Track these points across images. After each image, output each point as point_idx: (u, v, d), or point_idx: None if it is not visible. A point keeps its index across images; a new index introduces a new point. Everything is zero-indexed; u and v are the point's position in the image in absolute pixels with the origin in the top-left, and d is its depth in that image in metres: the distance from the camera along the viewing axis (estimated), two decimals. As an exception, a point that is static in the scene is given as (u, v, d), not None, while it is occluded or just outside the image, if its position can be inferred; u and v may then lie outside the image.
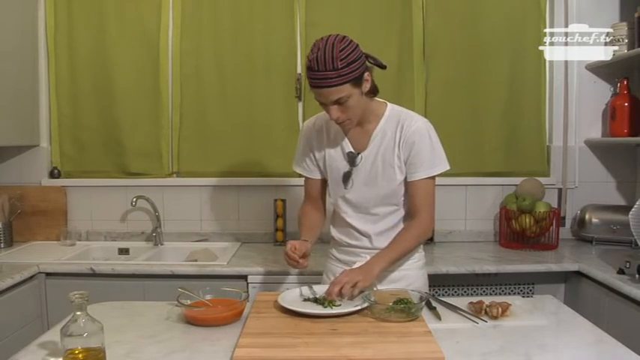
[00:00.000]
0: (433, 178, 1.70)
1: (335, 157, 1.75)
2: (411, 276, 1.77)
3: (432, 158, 1.67)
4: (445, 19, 2.80)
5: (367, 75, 1.59)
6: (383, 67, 1.64)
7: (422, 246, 1.84)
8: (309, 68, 1.53)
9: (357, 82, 1.55)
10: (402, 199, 1.73)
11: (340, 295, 1.52)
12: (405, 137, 1.66)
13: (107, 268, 2.34)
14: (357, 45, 1.56)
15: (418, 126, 1.67)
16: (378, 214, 1.73)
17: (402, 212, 1.74)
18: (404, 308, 1.46)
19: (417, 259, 1.81)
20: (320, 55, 1.50)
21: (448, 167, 1.71)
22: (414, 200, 1.70)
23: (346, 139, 1.73)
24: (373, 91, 1.65)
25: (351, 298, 1.54)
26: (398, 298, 1.52)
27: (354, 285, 1.53)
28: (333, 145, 1.75)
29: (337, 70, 1.50)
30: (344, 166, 1.73)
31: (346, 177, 1.73)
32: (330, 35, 1.54)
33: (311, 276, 2.24)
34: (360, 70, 1.55)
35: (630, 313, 1.94)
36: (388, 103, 1.74)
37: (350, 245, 1.79)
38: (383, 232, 1.74)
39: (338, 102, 1.56)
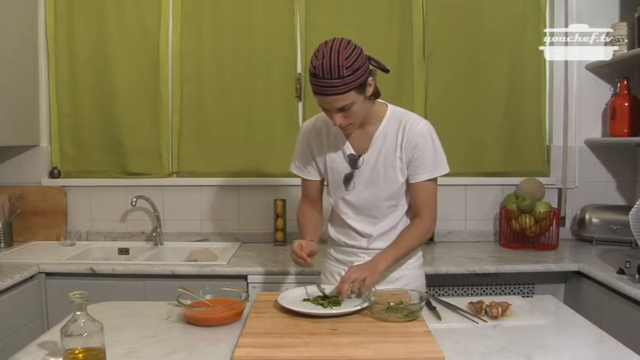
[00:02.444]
0: (435, 179, 1.70)
1: (336, 159, 1.73)
2: (409, 276, 1.77)
3: (435, 160, 1.67)
4: (445, 19, 2.80)
5: (371, 80, 1.56)
6: (386, 70, 1.63)
7: (420, 248, 1.84)
8: (313, 75, 1.49)
9: (362, 88, 1.53)
10: (402, 200, 1.73)
11: (350, 292, 1.53)
12: (407, 139, 1.66)
13: (107, 268, 2.34)
14: (362, 50, 1.53)
15: (421, 128, 1.66)
16: (377, 215, 1.73)
17: (401, 213, 1.74)
18: (403, 308, 1.46)
19: (416, 259, 1.81)
20: (325, 63, 1.46)
21: (448, 170, 1.71)
22: (417, 201, 1.70)
23: (347, 141, 1.72)
24: (376, 95, 1.63)
25: (359, 295, 1.54)
26: (398, 298, 1.52)
27: (362, 281, 1.54)
28: (334, 147, 1.74)
29: (343, 78, 1.47)
30: (345, 168, 1.72)
31: (347, 179, 1.72)
32: (334, 39, 1.50)
33: (310, 276, 2.24)
34: (364, 77, 1.52)
35: (630, 313, 1.94)
36: (389, 105, 1.73)
37: (348, 245, 1.79)
38: (382, 233, 1.74)
39: (342, 109, 1.54)
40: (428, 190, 1.69)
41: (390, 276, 1.74)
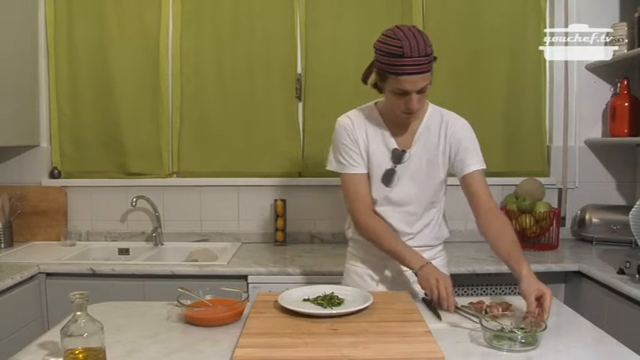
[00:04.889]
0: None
1: (378, 154, 1.70)
2: None
3: (479, 152, 1.71)
4: (445, 19, 2.80)
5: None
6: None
7: (443, 244, 1.85)
8: (400, 55, 1.48)
9: (432, 70, 1.56)
10: (439, 197, 1.75)
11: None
12: (451, 133, 1.69)
13: (107, 269, 2.34)
14: None
15: (463, 123, 1.72)
16: (416, 212, 1.73)
17: (434, 212, 1.75)
18: (529, 336, 1.29)
19: (443, 256, 1.83)
20: (413, 42, 1.48)
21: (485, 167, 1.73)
22: (479, 191, 1.66)
23: (390, 136, 1.70)
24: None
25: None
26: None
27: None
28: (376, 142, 1.71)
29: (429, 56, 1.51)
30: (387, 163, 1.70)
31: (389, 174, 1.70)
32: (403, 25, 1.54)
33: (312, 276, 2.25)
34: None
35: (630, 313, 1.94)
36: (429, 102, 1.74)
37: None
38: (417, 232, 1.74)
39: (422, 90, 1.54)
40: (484, 178, 1.69)
41: None
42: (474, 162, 1.68)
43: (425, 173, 1.70)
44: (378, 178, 1.71)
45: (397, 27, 1.53)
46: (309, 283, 2.15)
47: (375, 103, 1.75)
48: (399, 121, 1.67)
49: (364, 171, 1.72)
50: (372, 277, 1.80)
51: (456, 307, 1.54)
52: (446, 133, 1.69)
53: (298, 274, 2.29)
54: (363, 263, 1.82)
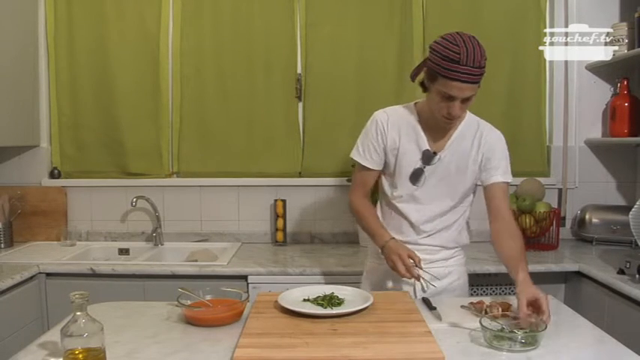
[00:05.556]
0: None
1: (409, 152, 1.72)
2: (457, 272, 1.82)
3: (508, 165, 1.74)
4: (445, 20, 2.79)
5: None
6: None
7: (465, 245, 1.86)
8: (456, 62, 1.49)
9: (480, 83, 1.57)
10: (464, 202, 1.77)
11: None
12: (484, 142, 1.71)
13: (107, 269, 2.34)
14: None
15: (498, 135, 1.74)
16: (438, 213, 1.74)
17: (457, 216, 1.77)
18: (529, 336, 1.30)
19: (463, 255, 1.85)
20: (470, 51, 1.49)
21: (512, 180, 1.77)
22: (498, 202, 1.72)
23: (424, 137, 1.72)
24: None
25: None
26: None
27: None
28: (409, 141, 1.72)
29: (482, 69, 1.52)
30: (416, 163, 1.72)
31: (417, 174, 1.72)
32: (464, 33, 1.53)
33: (312, 276, 2.25)
34: None
35: (630, 313, 1.94)
36: (467, 109, 1.74)
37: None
38: (436, 231, 1.75)
39: (467, 99, 1.56)
40: (506, 191, 1.74)
41: (439, 272, 1.74)
42: (503, 171, 1.72)
43: (453, 178, 1.72)
44: (406, 177, 1.73)
45: (458, 33, 1.54)
46: (309, 283, 2.15)
47: (415, 103, 1.77)
48: (436, 124, 1.68)
49: (377, 168, 1.78)
50: (391, 274, 1.80)
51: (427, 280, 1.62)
52: (480, 143, 1.71)
53: (298, 274, 2.29)
54: (384, 261, 1.82)
